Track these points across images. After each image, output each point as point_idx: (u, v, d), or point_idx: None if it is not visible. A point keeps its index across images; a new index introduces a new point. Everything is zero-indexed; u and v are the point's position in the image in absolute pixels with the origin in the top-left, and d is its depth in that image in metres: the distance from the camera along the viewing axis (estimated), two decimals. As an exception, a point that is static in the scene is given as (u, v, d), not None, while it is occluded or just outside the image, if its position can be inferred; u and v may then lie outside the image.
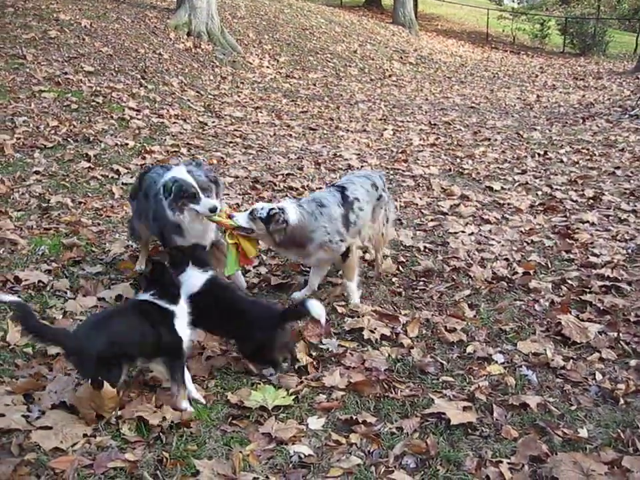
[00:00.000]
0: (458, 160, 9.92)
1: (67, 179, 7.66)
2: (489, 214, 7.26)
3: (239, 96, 14.41)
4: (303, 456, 3.36)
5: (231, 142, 10.55)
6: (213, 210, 4.69)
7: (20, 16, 14.32)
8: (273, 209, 4.67)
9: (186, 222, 4.74)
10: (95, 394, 3.50)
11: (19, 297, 4.94)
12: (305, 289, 5.20)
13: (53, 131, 9.21)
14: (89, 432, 3.46)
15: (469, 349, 4.39)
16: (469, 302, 5.13)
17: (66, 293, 5.08)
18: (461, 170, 9.26)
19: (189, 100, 12.87)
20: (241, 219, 4.68)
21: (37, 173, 7.71)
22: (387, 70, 21.44)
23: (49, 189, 7.28)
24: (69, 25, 14.75)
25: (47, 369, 4.03)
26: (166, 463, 3.27)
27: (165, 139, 9.94)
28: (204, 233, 4.93)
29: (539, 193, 8.19)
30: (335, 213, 4.90)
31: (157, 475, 3.20)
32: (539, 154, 10.27)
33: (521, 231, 6.74)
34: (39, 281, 5.16)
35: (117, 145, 9.23)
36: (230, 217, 4.70)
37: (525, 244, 6.40)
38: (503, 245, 6.34)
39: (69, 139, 9.07)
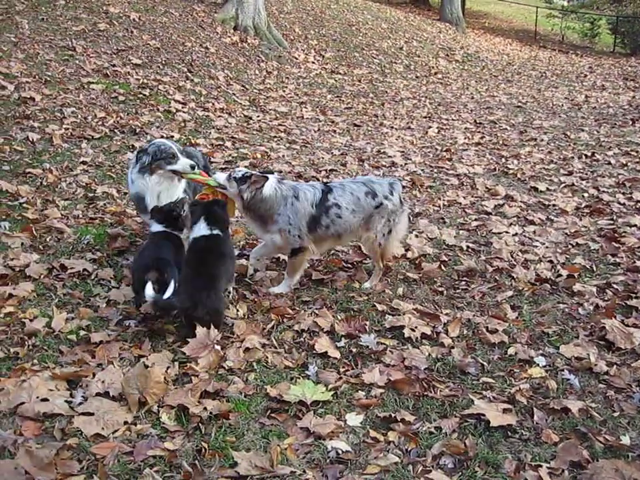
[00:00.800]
0: (503, 159, 9.81)
1: (113, 170, 7.77)
2: (534, 215, 7.17)
3: (283, 91, 14.45)
4: (340, 452, 3.36)
5: (275, 136, 10.59)
6: (192, 167, 5.11)
7: (71, 8, 14.53)
8: (250, 173, 5.00)
9: (150, 186, 5.11)
10: (142, 376, 3.57)
11: (64, 285, 5.04)
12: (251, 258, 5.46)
13: (100, 122, 9.34)
14: (130, 419, 3.52)
15: (511, 351, 4.35)
16: (512, 303, 5.07)
17: (110, 282, 5.15)
18: (505, 170, 9.15)
19: (234, 94, 12.95)
20: (220, 177, 5.02)
21: (84, 163, 7.84)
22: (433, 67, 21.30)
23: (95, 179, 7.39)
24: (118, 17, 14.92)
25: (90, 356, 4.10)
26: (204, 453, 3.31)
27: (210, 132, 10.03)
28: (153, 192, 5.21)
29: (585, 195, 8.06)
30: (304, 210, 5.01)
31: (196, 464, 3.22)
32: (586, 155, 10.10)
33: (566, 233, 6.64)
34: (84, 270, 5.25)
35: (162, 137, 9.31)
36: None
37: (569, 246, 6.30)
38: (547, 247, 6.25)
39: (115, 130, 9.20)
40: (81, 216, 6.41)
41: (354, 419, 3.63)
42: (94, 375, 3.85)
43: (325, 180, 5.60)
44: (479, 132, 12.14)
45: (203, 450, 3.32)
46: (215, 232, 4.64)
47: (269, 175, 5.06)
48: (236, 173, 4.99)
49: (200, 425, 3.51)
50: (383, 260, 5.40)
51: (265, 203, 4.98)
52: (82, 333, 4.37)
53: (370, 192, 5.17)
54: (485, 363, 4.20)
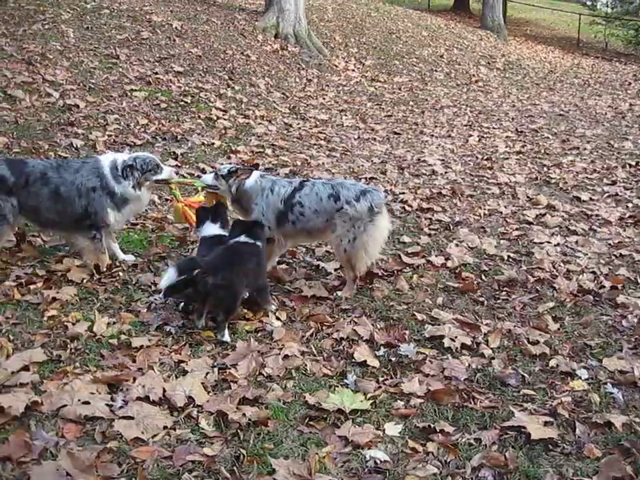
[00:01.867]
0: (545, 168, 9.70)
1: (155, 176, 7.85)
2: (576, 225, 7.07)
3: (324, 98, 14.49)
4: (378, 461, 3.34)
5: (315, 144, 10.62)
6: (176, 173, 5.65)
7: (115, 17, 14.76)
8: (235, 167, 5.33)
9: (144, 198, 5.51)
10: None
11: (105, 289, 5.11)
12: None
13: (142, 129, 9.46)
14: (169, 424, 3.55)
15: (552, 363, 4.28)
16: (553, 314, 5.01)
17: (150, 287, 5.20)
18: (547, 179, 9.05)
19: (274, 101, 13.02)
20: (208, 178, 5.40)
21: (126, 169, 7.92)
22: (474, 75, 21.16)
23: (138, 186, 7.47)
24: (161, 26, 15.12)
25: (131, 361, 4.14)
26: (243, 459, 3.32)
27: (250, 140, 10.09)
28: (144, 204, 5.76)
29: (630, 205, 7.92)
30: (274, 204, 5.21)
31: (234, 471, 3.24)
32: (630, 165, 9.93)
33: (610, 244, 6.54)
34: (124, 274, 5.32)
35: (203, 144, 9.42)
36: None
37: (613, 257, 6.20)
38: (590, 258, 6.16)
39: (157, 137, 9.31)
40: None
41: (392, 429, 3.61)
42: (134, 379, 3.89)
43: (303, 179, 5.73)
44: (520, 140, 12.02)
45: (241, 456, 3.33)
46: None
47: (253, 169, 5.35)
48: (221, 171, 5.31)
49: (238, 431, 3.52)
50: (353, 269, 5.24)
51: (247, 194, 5.26)
52: (123, 337, 4.42)
53: (333, 195, 5.15)
54: (525, 375, 4.15)
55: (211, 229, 5.09)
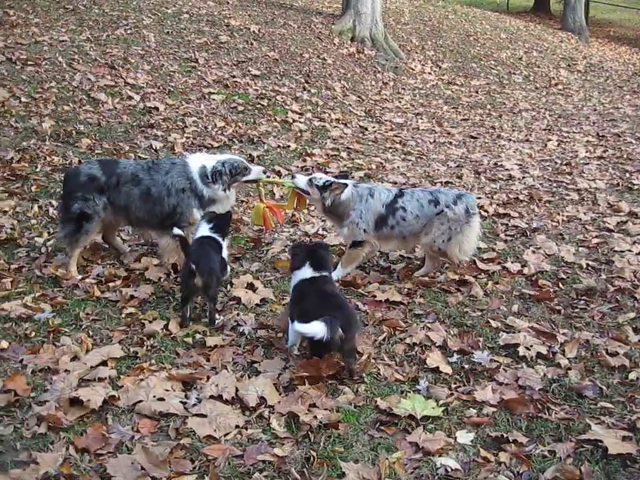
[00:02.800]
0: (627, 174, 9.40)
1: (231, 178, 7.96)
2: (660, 233, 6.83)
3: (399, 102, 14.43)
4: (449, 469, 3.30)
5: (390, 147, 10.59)
6: (264, 172, 5.84)
7: (194, 22, 15.05)
8: (330, 180, 5.47)
9: (227, 195, 5.57)
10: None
11: (172, 289, 5.21)
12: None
13: (219, 132, 9.62)
14: (241, 424, 3.61)
15: (632, 376, 4.14)
16: (634, 325, 4.84)
17: (226, 287, 5.28)
18: (630, 185, 8.77)
19: (350, 104, 13.04)
20: (301, 182, 5.55)
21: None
22: (554, 78, 20.70)
23: (214, 187, 7.59)
24: (239, 30, 15.34)
25: (205, 360, 4.22)
26: (313, 461, 3.34)
27: (326, 143, 10.13)
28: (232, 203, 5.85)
29: None
30: (375, 208, 5.50)
31: (304, 472, 3.26)
32: None
33: (695, 254, 6.29)
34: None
35: (279, 146, 9.51)
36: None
37: (699, 267, 5.97)
38: (674, 267, 5.94)
39: (234, 140, 9.45)
40: (199, 222, 6.61)
41: (464, 437, 3.56)
42: (208, 378, 3.96)
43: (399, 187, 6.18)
44: (601, 145, 11.69)
45: (312, 458, 3.35)
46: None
47: (347, 182, 5.53)
48: (317, 181, 5.49)
49: (309, 433, 3.54)
50: (449, 259, 5.69)
51: (343, 205, 5.49)
52: (197, 336, 4.50)
53: (433, 200, 5.53)
54: (603, 387, 4.03)
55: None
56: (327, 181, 5.50)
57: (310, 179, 5.55)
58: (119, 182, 5.41)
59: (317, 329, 3.82)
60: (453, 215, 5.48)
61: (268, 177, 6.00)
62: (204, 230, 4.99)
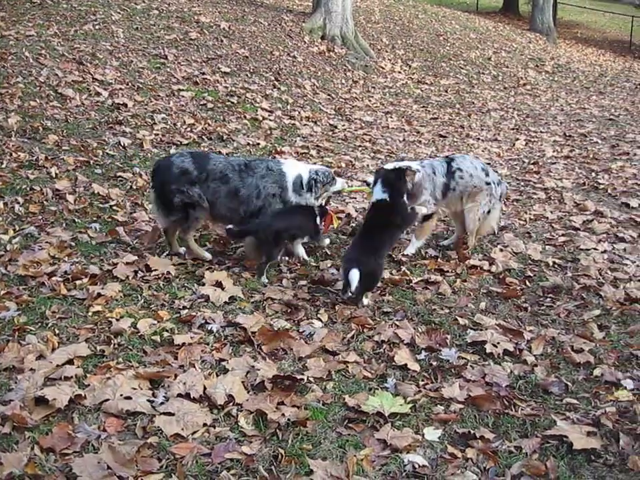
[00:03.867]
0: (593, 174, 9.53)
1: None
2: (624, 232, 6.93)
3: (369, 100, 14.47)
4: (417, 466, 3.31)
5: (360, 146, 10.61)
6: (347, 182, 6.29)
7: (164, 18, 14.96)
8: (401, 168, 5.66)
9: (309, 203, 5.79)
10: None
11: (149, 286, 5.17)
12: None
13: (188, 129, 9.57)
14: (209, 422, 3.58)
15: (596, 372, 4.20)
16: (599, 323, 4.91)
17: (194, 285, 5.25)
18: (595, 184, 8.89)
19: (320, 103, 13.05)
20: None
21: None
22: (522, 78, 20.92)
23: (183, 184, 7.55)
24: (209, 27, 15.28)
25: (173, 358, 4.19)
26: (281, 459, 3.32)
27: (296, 140, 10.13)
28: None
29: (681, 212, 7.75)
30: (440, 182, 6.00)
31: (272, 470, 3.25)
32: (682, 171, 9.71)
33: (659, 252, 6.40)
34: (168, 272, 5.38)
35: (248, 144, 9.49)
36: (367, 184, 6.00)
37: (662, 265, 6.06)
38: (638, 265, 6.02)
39: (203, 137, 9.41)
40: (168, 220, 6.57)
41: (432, 434, 3.58)
42: (176, 376, 3.93)
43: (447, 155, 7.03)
44: (568, 145, 11.84)
45: (280, 456, 3.34)
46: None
47: (412, 165, 5.82)
48: None
49: (277, 431, 3.53)
50: (476, 235, 6.29)
51: (418, 185, 5.83)
52: (165, 334, 4.47)
53: (484, 169, 6.21)
54: (569, 383, 4.08)
55: None
56: (399, 168, 5.71)
57: None
58: (208, 178, 5.62)
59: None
60: (495, 192, 6.19)
61: (350, 186, 6.50)
62: None
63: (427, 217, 6.04)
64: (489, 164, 9.62)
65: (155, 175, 5.77)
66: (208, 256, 5.76)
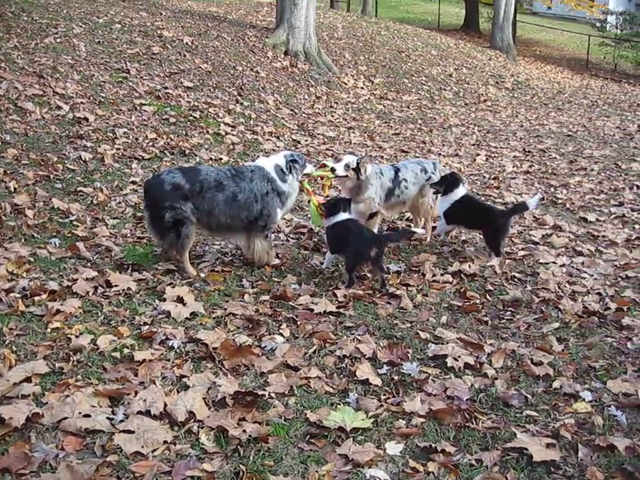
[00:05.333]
0: (552, 189, 9.70)
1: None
2: (582, 246, 7.06)
3: (332, 116, 14.54)
4: (379, 480, 3.31)
5: (322, 161, 10.62)
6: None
7: (126, 32, 14.89)
8: (357, 159, 6.37)
9: (295, 187, 6.18)
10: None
11: (109, 302, 5.12)
12: None
13: (151, 143, 9.51)
14: (170, 439, 3.53)
15: (556, 384, 4.25)
16: (558, 335, 4.97)
17: (155, 300, 5.21)
18: (554, 199, 9.05)
19: (283, 118, 13.07)
20: (339, 170, 6.31)
21: (133, 182, 7.98)
22: (482, 95, 21.22)
23: (145, 200, 7.51)
24: (172, 41, 15.24)
25: (133, 374, 4.14)
26: (242, 476, 3.29)
27: (258, 155, 10.10)
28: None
29: (636, 226, 7.90)
30: (385, 184, 6.62)
31: (233, 487, 3.23)
32: (637, 186, 9.91)
33: (616, 265, 6.51)
34: (128, 288, 5.33)
35: (211, 159, 9.46)
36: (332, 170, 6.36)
37: (619, 279, 6.17)
38: (595, 279, 6.14)
39: (165, 152, 9.35)
40: (129, 235, 6.52)
41: (393, 448, 3.58)
42: (136, 393, 3.88)
43: (391, 164, 7.67)
44: (527, 160, 12.03)
45: (241, 473, 3.31)
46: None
47: (365, 157, 6.56)
48: (352, 164, 6.32)
49: (239, 447, 3.50)
50: (429, 219, 7.15)
51: (365, 180, 6.41)
52: (126, 350, 4.42)
53: (423, 169, 6.92)
54: (528, 396, 4.12)
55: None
56: (358, 159, 6.38)
57: (345, 164, 6.33)
58: (203, 189, 5.69)
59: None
60: (436, 178, 6.88)
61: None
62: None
63: (372, 215, 6.55)
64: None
65: (147, 195, 5.76)
66: (194, 273, 5.84)
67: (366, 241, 5.71)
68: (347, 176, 6.35)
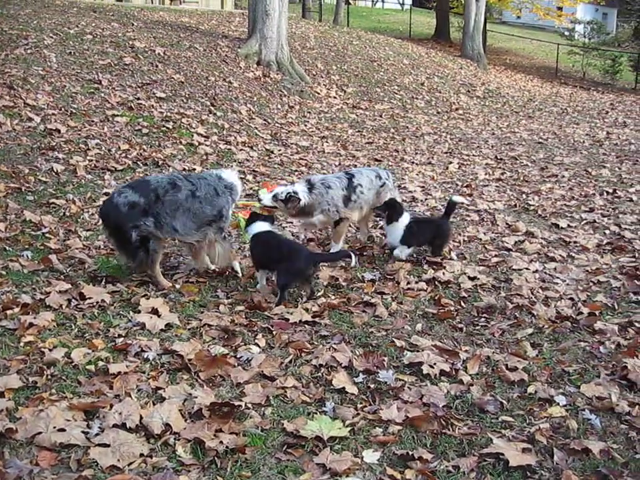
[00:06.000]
0: (524, 196, 9.79)
1: (135, 202, 7.84)
2: (555, 252, 7.13)
3: (305, 125, 14.57)
4: (356, 489, 3.32)
5: (296, 170, 10.66)
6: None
7: (97, 43, 14.83)
8: (289, 193, 6.27)
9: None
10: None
11: (83, 315, 5.08)
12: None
13: (123, 154, 9.47)
14: (146, 452, 3.50)
15: (530, 389, 4.28)
16: (532, 341, 5.02)
17: (129, 312, 5.18)
18: (526, 206, 9.13)
19: (256, 128, 13.07)
20: (266, 200, 6.32)
21: (106, 194, 7.90)
22: (454, 103, 21.39)
23: (118, 211, 7.46)
24: (144, 52, 15.20)
25: (108, 387, 4.10)
26: (220, 487, 3.28)
27: (232, 166, 10.11)
28: None
29: (607, 231, 8.00)
30: (337, 194, 6.59)
31: (211, 499, 3.21)
32: (607, 192, 10.05)
33: (587, 271, 6.58)
34: (102, 300, 5.29)
35: (184, 169, 9.43)
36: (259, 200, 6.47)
37: (591, 284, 6.24)
38: (568, 284, 6.20)
39: (138, 162, 9.32)
40: (102, 247, 6.48)
41: (371, 456, 3.58)
42: (111, 406, 3.85)
43: (344, 171, 7.73)
44: (499, 168, 12.13)
45: (219, 484, 3.30)
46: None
47: (297, 188, 6.38)
48: (280, 195, 6.26)
49: (216, 458, 3.48)
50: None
51: (307, 206, 6.42)
52: (100, 363, 4.38)
53: (377, 175, 7.06)
54: (504, 401, 4.14)
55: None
56: (288, 193, 6.26)
57: (274, 195, 6.29)
58: (158, 196, 5.62)
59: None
60: (390, 185, 7.15)
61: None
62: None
63: (337, 222, 6.70)
64: (423, 187, 9.83)
65: (106, 222, 5.67)
66: (168, 284, 5.82)
67: (304, 259, 5.61)
68: (275, 207, 6.33)
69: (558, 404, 4.11)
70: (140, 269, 5.85)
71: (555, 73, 36.15)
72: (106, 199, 5.99)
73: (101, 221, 5.93)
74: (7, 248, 6.15)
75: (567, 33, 43.81)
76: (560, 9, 44.39)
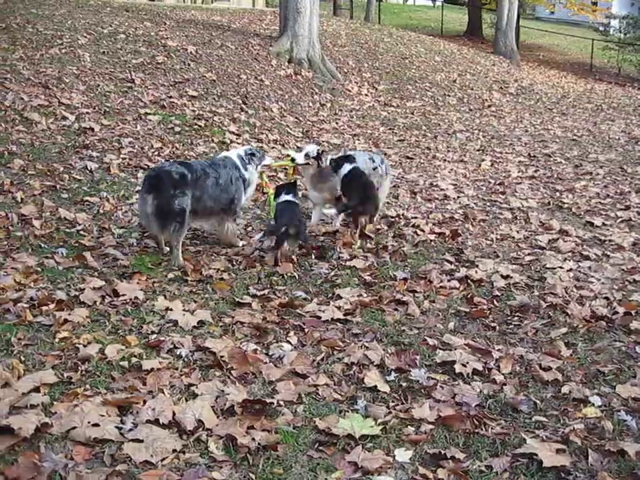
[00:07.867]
0: (557, 193, 9.69)
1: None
2: (589, 250, 7.04)
3: (336, 123, 14.56)
4: (388, 488, 3.30)
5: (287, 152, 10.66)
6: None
7: (130, 42, 14.96)
8: (319, 150, 7.21)
9: (254, 177, 6.94)
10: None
11: (117, 311, 5.12)
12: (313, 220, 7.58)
13: (156, 152, 9.53)
14: (179, 448, 3.52)
15: (565, 389, 4.23)
16: (566, 340, 4.96)
17: (162, 309, 5.21)
18: (560, 204, 9.03)
19: (287, 125, 13.10)
20: (299, 158, 7.11)
21: (139, 192, 7.98)
22: (487, 100, 21.21)
23: (151, 208, 7.52)
24: (176, 50, 15.29)
25: (141, 383, 4.13)
26: (252, 484, 3.29)
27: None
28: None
29: (643, 230, 7.89)
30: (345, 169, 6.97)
31: (243, 496, 3.22)
32: (643, 190, 9.91)
33: (623, 269, 6.49)
34: (135, 297, 5.34)
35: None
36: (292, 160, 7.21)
37: (626, 283, 6.15)
38: (603, 283, 6.12)
39: (171, 160, 9.36)
40: (135, 244, 6.53)
41: (403, 455, 3.57)
42: (144, 402, 3.88)
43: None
44: (532, 165, 12.03)
45: (250, 481, 3.31)
46: None
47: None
48: (312, 153, 7.11)
49: (248, 455, 3.49)
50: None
51: (325, 170, 7.09)
52: (134, 359, 4.42)
53: (370, 159, 7.44)
54: (537, 401, 4.10)
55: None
56: (319, 149, 7.17)
57: (306, 154, 7.10)
58: (198, 178, 6.22)
59: None
60: (381, 171, 7.42)
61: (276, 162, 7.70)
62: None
63: (338, 198, 7.20)
64: (455, 185, 9.77)
65: (155, 184, 6.01)
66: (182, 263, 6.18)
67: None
68: (307, 164, 7.11)
69: (593, 404, 4.06)
70: (168, 239, 6.26)
71: (589, 69, 35.68)
72: (155, 167, 6.79)
73: (145, 187, 6.11)
74: (42, 245, 6.22)
75: (601, 29, 43.16)
76: (595, 3, 43.87)
